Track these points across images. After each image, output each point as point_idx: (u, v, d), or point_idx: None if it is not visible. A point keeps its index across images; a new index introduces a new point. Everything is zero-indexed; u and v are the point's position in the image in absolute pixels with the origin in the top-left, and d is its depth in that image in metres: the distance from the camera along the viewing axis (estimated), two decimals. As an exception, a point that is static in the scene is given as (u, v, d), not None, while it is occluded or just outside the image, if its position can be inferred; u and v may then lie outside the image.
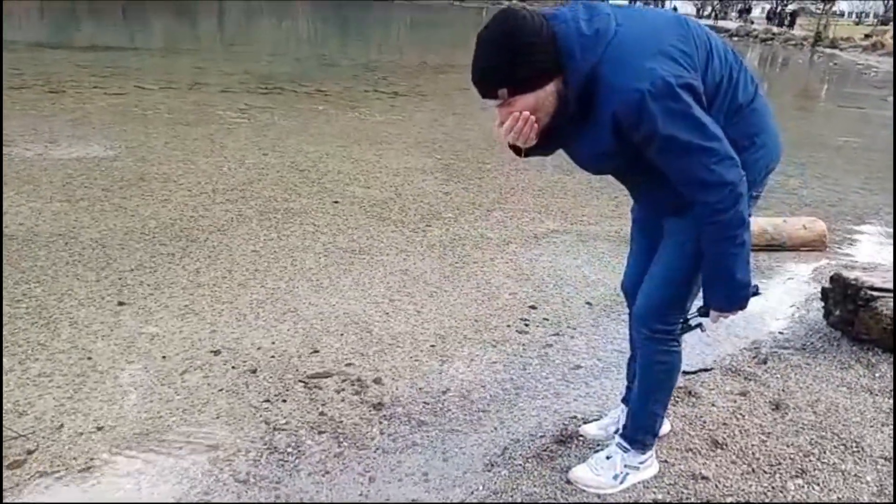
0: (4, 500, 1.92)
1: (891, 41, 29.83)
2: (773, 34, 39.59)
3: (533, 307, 3.43)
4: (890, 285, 2.74)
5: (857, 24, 51.88)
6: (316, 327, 3.07)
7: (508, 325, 3.20)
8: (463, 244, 4.30)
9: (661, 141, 1.52)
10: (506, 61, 1.50)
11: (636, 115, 1.50)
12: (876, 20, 54.92)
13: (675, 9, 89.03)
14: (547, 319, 3.30)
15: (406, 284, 3.62)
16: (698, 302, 1.86)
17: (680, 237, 1.79)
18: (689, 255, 1.76)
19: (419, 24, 48.03)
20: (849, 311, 2.78)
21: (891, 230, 5.12)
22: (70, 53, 13.27)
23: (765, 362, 2.76)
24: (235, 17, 36.23)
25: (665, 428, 2.26)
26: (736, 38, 40.76)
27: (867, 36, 32.99)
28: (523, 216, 4.96)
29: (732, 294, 1.70)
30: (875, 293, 2.70)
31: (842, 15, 57.06)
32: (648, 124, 1.51)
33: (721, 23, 57.11)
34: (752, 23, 51.53)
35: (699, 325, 1.85)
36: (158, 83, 10.13)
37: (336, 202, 5.04)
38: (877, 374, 2.67)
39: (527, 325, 3.23)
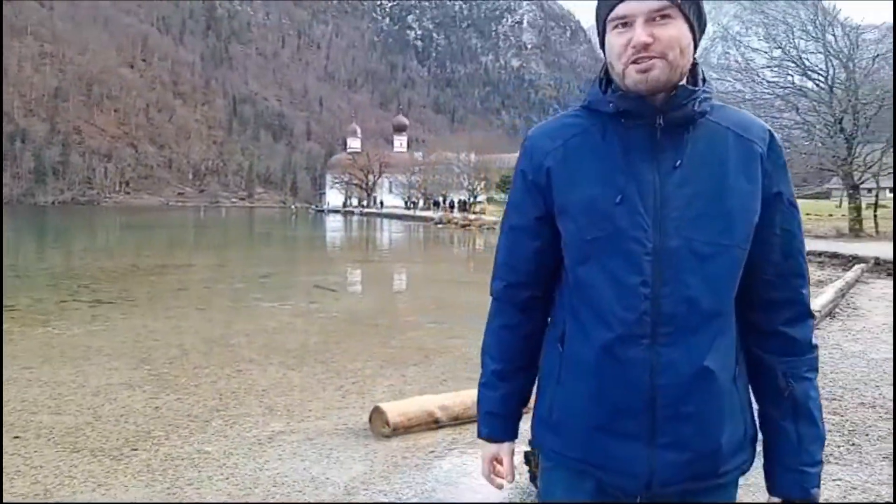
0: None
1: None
2: (470, 220, 45.28)
3: (257, 526, 3.13)
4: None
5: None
6: None
7: (228, 555, 2.87)
8: (176, 466, 3.87)
9: (790, 192, 1.26)
10: None
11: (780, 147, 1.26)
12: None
13: (381, 203, 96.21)
14: (273, 537, 3.02)
15: (103, 528, 3.09)
16: None
17: None
18: None
19: (132, 226, 46.07)
20: (551, 472, 2.99)
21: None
22: None
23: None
24: None
25: None
26: (440, 225, 45.81)
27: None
28: (246, 421, 4.67)
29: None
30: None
31: (521, 201, 67.68)
32: (785, 166, 1.27)
33: (420, 212, 64.18)
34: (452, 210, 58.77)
35: None
36: None
37: (17, 437, 4.27)
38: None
39: (250, 548, 2.92)
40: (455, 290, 13.13)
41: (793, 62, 22.30)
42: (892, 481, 3.27)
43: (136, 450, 4.11)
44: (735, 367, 1.22)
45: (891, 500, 2.30)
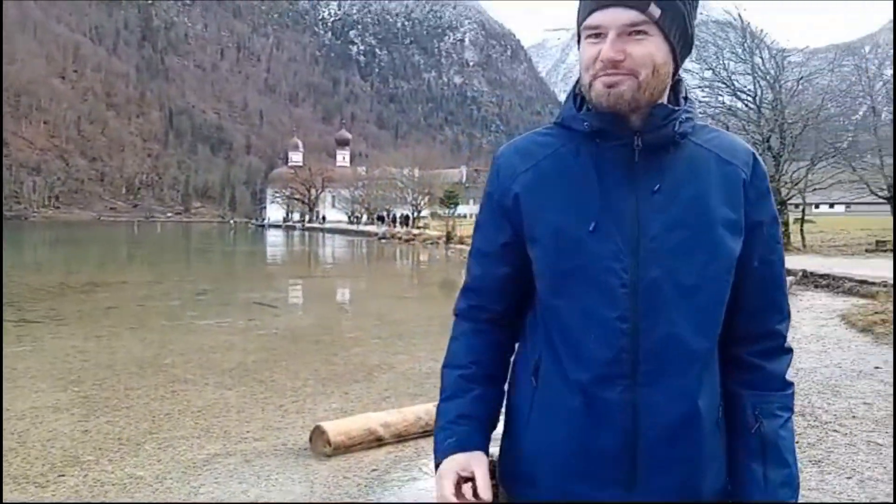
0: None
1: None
2: (414, 235, 45.28)
3: (192, 553, 3.01)
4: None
5: (477, 223, 62.39)
6: None
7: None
8: (106, 492, 3.69)
9: (774, 219, 1.19)
10: None
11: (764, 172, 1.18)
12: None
13: (323, 218, 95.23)
14: (208, 564, 2.91)
15: (23, 561, 2.92)
16: None
17: None
18: None
19: (61, 241, 44.27)
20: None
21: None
22: None
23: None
24: None
25: None
26: (384, 240, 45.67)
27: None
28: (180, 444, 4.50)
29: None
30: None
31: (465, 216, 68.40)
32: (769, 192, 1.18)
33: (364, 227, 63.99)
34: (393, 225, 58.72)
35: None
36: None
37: (-71, 468, 4.00)
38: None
39: (184, 577, 2.80)
40: (399, 306, 13.07)
41: (723, 83, 23.25)
42: (820, 487, 3.40)
43: (63, 476, 3.91)
44: (719, 409, 1.14)
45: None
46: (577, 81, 1.16)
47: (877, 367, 6.00)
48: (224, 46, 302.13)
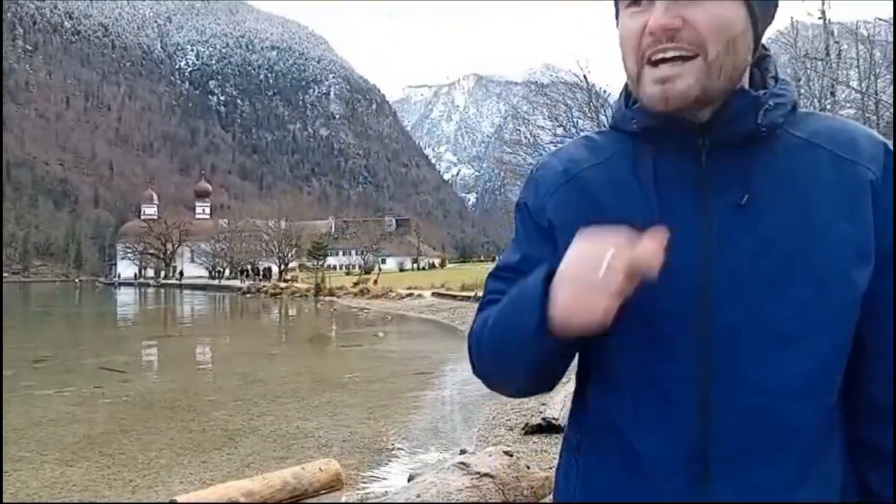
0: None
1: (374, 286, 36.14)
2: (281, 288, 44.02)
3: None
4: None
5: (347, 274, 61.84)
6: None
7: None
8: None
9: None
10: None
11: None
12: (360, 270, 66.58)
13: (181, 273, 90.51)
14: None
15: None
16: None
17: None
18: None
19: None
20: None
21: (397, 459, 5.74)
22: None
23: None
24: None
25: None
26: (248, 295, 44.02)
27: (356, 284, 39.17)
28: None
29: None
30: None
31: (333, 268, 67.54)
32: None
33: (227, 282, 61.60)
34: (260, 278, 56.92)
35: None
36: None
37: None
38: None
39: None
40: (264, 363, 12.54)
41: (572, 139, 25.01)
42: None
43: None
44: None
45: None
46: None
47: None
48: (70, 94, 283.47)
